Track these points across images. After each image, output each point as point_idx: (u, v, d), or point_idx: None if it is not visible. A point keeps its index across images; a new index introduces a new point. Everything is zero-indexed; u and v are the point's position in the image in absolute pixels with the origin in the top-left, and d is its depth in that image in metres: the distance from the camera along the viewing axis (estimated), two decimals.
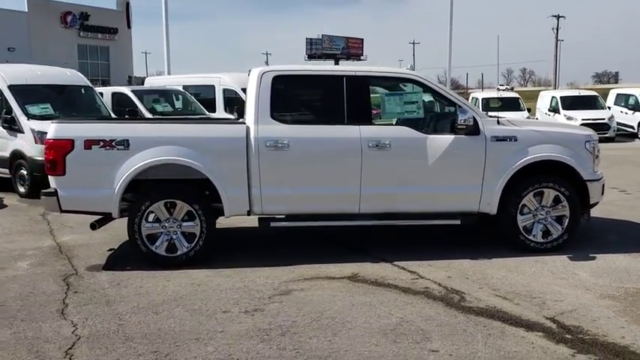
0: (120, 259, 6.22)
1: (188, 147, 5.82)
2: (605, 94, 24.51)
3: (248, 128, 5.92)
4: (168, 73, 20.28)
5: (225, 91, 15.21)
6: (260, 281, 5.44)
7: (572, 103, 21.94)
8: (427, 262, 5.92)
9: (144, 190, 5.90)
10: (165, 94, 13.64)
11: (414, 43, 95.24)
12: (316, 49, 69.02)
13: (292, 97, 6.28)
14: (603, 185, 6.55)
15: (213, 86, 15.30)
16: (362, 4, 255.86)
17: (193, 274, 5.66)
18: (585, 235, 6.70)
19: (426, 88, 6.27)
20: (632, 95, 22.15)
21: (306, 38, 69.04)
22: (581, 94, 23.96)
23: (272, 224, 6.07)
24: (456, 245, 6.58)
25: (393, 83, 6.42)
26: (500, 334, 4.19)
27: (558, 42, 65.62)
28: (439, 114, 6.32)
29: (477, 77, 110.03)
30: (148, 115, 12.24)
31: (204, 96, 14.94)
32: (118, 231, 6.88)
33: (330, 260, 6.02)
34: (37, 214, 8.65)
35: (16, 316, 4.63)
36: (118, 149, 5.76)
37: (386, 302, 4.85)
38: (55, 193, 5.81)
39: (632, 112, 21.53)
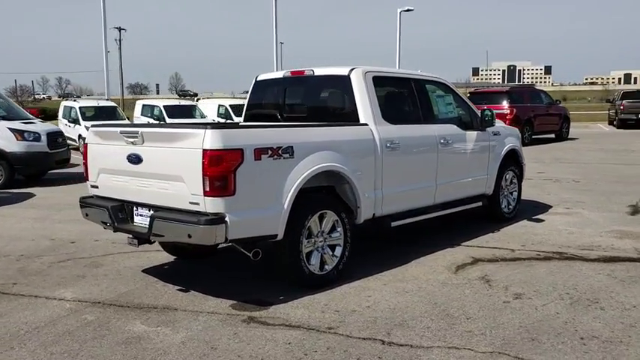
0: (243, 291, 5.11)
1: (337, 152, 5.31)
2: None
3: (371, 130, 5.75)
4: None
5: None
6: (433, 277, 5.54)
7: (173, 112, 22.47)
8: (483, 240, 6.94)
9: (302, 202, 5.06)
10: None
11: None
12: None
13: (387, 98, 6.24)
14: None
15: None
16: None
17: (358, 285, 5.34)
18: None
19: (450, 91, 7.21)
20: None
21: None
22: (181, 104, 25.12)
23: (393, 224, 6.01)
24: (459, 226, 7.68)
25: (432, 86, 7.04)
26: None
27: (121, 53, 66.85)
28: (461, 113, 7.26)
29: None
30: None
31: None
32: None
33: (421, 253, 6.35)
34: None
35: None
36: (284, 158, 4.84)
37: (562, 270, 5.73)
38: (220, 220, 4.46)
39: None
